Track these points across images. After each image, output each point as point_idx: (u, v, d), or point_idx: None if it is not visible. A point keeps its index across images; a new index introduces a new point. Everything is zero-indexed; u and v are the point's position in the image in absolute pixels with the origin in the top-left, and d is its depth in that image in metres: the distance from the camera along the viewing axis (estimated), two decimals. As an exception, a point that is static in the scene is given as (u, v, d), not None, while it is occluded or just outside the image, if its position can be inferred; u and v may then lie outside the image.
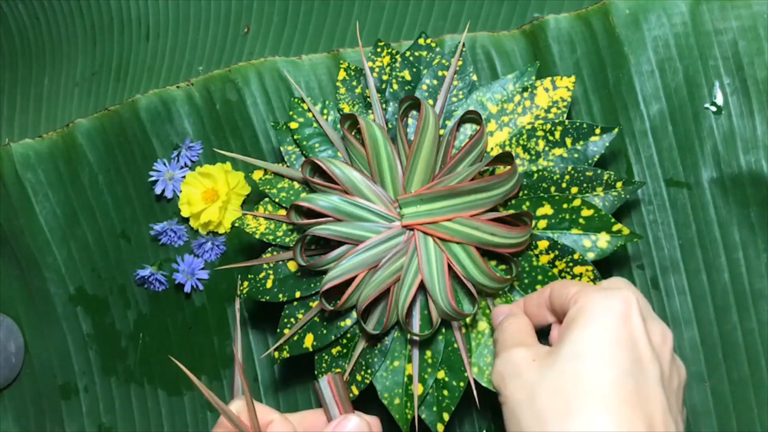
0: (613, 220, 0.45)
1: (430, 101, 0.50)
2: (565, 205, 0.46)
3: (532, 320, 0.42)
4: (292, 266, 0.50)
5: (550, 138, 0.47)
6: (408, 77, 0.51)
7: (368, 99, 0.51)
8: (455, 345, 0.47)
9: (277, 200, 0.51)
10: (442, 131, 0.49)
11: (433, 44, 0.52)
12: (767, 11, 0.49)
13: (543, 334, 0.42)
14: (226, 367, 0.58)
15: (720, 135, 0.50)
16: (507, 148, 0.48)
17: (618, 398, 0.32)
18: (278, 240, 0.50)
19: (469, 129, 0.49)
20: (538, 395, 0.34)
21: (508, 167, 0.46)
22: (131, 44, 0.64)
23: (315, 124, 0.52)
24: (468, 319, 0.47)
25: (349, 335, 0.49)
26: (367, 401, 0.50)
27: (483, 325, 0.47)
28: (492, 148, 0.49)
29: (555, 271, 0.46)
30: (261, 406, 0.37)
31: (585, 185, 0.46)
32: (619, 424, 0.31)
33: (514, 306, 0.44)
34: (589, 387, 0.33)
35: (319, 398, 0.37)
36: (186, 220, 0.58)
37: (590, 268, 0.45)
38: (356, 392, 0.48)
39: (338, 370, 0.48)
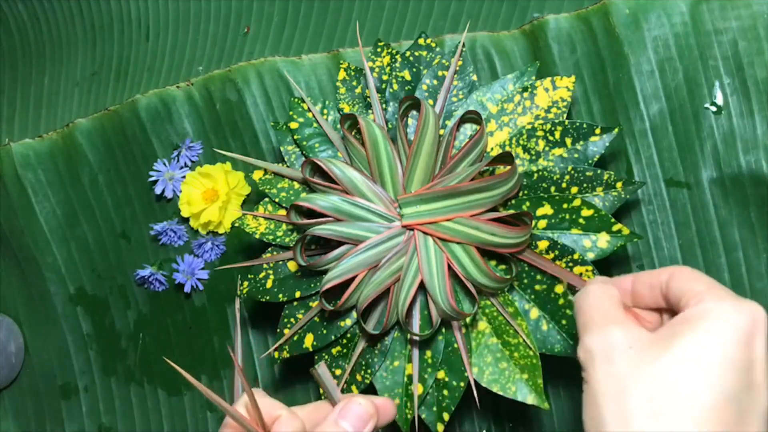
0: (613, 220, 0.45)
1: (430, 101, 0.50)
2: (565, 205, 0.46)
3: (637, 300, 0.38)
4: (292, 266, 0.50)
5: (550, 138, 0.47)
6: (408, 77, 0.51)
7: (368, 99, 0.51)
8: (455, 345, 0.47)
9: (277, 200, 0.51)
10: (442, 131, 0.49)
11: (433, 44, 0.52)
12: (767, 11, 0.49)
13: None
14: (226, 367, 0.58)
15: (720, 135, 0.50)
16: (507, 148, 0.48)
17: (714, 422, 0.30)
18: (278, 240, 0.50)
19: (469, 129, 0.49)
20: (628, 392, 0.31)
21: (508, 167, 0.46)
22: (131, 44, 0.64)
23: (315, 124, 0.52)
24: (468, 319, 0.47)
25: (349, 335, 0.49)
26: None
27: (483, 325, 0.47)
28: (492, 148, 0.49)
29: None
30: (268, 400, 0.36)
31: (585, 185, 0.46)
32: None
33: (606, 278, 0.39)
34: (686, 402, 0.30)
35: (320, 384, 0.37)
36: (186, 220, 0.58)
37: (590, 268, 0.45)
38: (356, 392, 0.48)
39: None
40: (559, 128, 0.47)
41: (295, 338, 0.49)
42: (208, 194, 0.55)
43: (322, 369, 0.36)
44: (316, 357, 0.49)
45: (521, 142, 0.48)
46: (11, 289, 0.62)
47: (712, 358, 0.30)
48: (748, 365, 0.31)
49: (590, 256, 0.45)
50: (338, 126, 0.51)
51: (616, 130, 0.47)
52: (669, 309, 0.36)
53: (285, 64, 0.56)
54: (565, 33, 0.52)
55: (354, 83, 0.52)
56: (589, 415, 0.33)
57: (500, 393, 0.45)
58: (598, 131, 0.47)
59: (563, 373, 0.51)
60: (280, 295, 0.50)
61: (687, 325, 0.32)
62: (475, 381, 0.46)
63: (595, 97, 0.52)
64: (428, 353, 0.47)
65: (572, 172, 0.47)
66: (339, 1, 0.59)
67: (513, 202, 0.47)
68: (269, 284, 0.50)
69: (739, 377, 0.30)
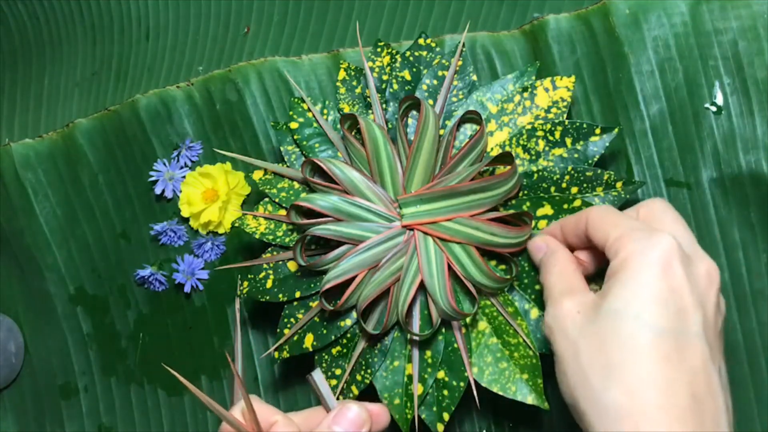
0: (613, 220, 0.45)
1: (430, 101, 0.50)
2: (565, 206, 0.46)
3: (569, 244, 0.42)
4: (292, 266, 0.50)
5: (550, 138, 0.47)
6: (408, 77, 0.51)
7: (368, 99, 0.51)
8: (455, 345, 0.47)
9: (277, 200, 0.51)
10: (442, 131, 0.49)
11: (433, 44, 0.52)
12: (767, 11, 0.49)
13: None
14: (226, 367, 0.58)
15: (720, 135, 0.50)
16: (507, 148, 0.48)
17: (657, 358, 0.32)
18: (278, 240, 0.50)
19: (469, 129, 0.49)
20: (581, 352, 0.34)
21: (508, 167, 0.46)
22: (131, 44, 0.64)
23: (315, 124, 0.52)
24: (468, 319, 0.47)
25: (349, 335, 0.49)
26: (367, 401, 0.50)
27: (483, 325, 0.47)
28: (492, 148, 0.49)
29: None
30: (264, 406, 0.36)
31: (585, 185, 0.46)
32: (658, 384, 0.31)
33: (550, 238, 0.43)
34: (628, 346, 0.33)
35: (315, 390, 0.37)
36: (186, 220, 0.58)
37: (590, 268, 0.45)
38: (356, 392, 0.48)
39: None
40: (559, 128, 0.47)
41: (295, 338, 0.49)
42: (208, 194, 0.55)
43: (317, 375, 0.37)
44: (316, 357, 0.49)
45: (521, 142, 0.48)
46: (11, 289, 0.62)
47: (638, 300, 0.33)
48: (672, 295, 0.33)
49: (590, 256, 0.46)
50: (338, 126, 0.51)
51: (616, 130, 0.47)
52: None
53: (285, 64, 0.56)
54: (565, 33, 0.52)
55: (354, 83, 0.52)
56: (561, 387, 0.36)
57: (500, 393, 0.45)
58: (598, 131, 0.47)
59: (563, 373, 0.51)
60: (280, 295, 0.50)
61: (614, 279, 0.35)
62: (475, 381, 0.46)
63: (595, 97, 0.52)
64: (428, 353, 0.47)
65: (572, 172, 0.47)
66: (339, 1, 0.59)
67: (513, 202, 0.47)
68: (269, 284, 0.50)
69: (667, 309, 0.33)
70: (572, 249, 0.42)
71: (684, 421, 0.31)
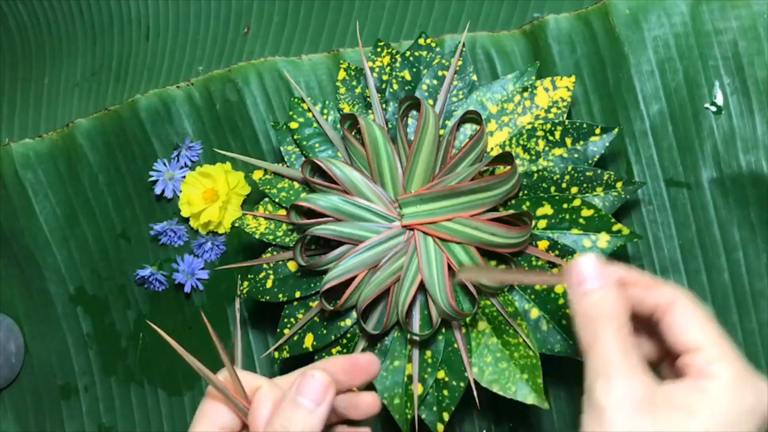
0: (613, 220, 0.45)
1: (430, 101, 0.50)
2: (565, 205, 0.46)
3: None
4: (292, 266, 0.50)
5: (550, 138, 0.47)
6: (408, 77, 0.51)
7: (368, 99, 0.51)
8: (455, 345, 0.47)
9: (277, 200, 0.51)
10: (442, 131, 0.49)
11: (433, 44, 0.52)
12: (767, 11, 0.49)
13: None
14: (226, 367, 0.58)
15: (720, 135, 0.50)
16: (507, 148, 0.48)
17: None
18: (278, 240, 0.50)
19: (469, 129, 0.49)
20: None
21: (508, 167, 0.46)
22: (131, 44, 0.64)
23: (315, 124, 0.52)
24: (468, 319, 0.47)
25: (349, 335, 0.49)
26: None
27: (483, 325, 0.47)
28: (492, 148, 0.49)
29: (555, 270, 0.46)
30: (247, 374, 0.36)
31: (585, 185, 0.46)
32: None
33: (611, 273, 0.34)
34: None
35: None
36: (186, 220, 0.58)
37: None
38: (356, 391, 0.48)
39: None
40: (559, 128, 0.47)
41: (295, 338, 0.49)
42: (208, 194, 0.55)
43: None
44: (316, 357, 0.49)
45: (521, 142, 0.48)
46: (11, 289, 0.62)
47: None
48: None
49: (590, 256, 0.45)
50: (338, 126, 0.51)
51: (616, 130, 0.47)
52: (649, 322, 0.34)
53: (285, 64, 0.56)
54: (565, 33, 0.52)
55: (354, 83, 0.52)
56: None
57: (500, 393, 0.45)
58: (598, 131, 0.47)
59: (563, 373, 0.51)
60: (280, 295, 0.50)
61: (702, 400, 0.31)
62: (475, 381, 0.46)
63: (595, 97, 0.52)
64: (428, 353, 0.47)
65: (572, 172, 0.47)
66: (339, 1, 0.59)
67: (513, 202, 0.47)
68: (269, 284, 0.50)
69: None
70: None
71: None
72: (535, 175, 0.47)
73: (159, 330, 0.38)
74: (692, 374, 0.32)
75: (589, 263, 0.33)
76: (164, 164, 0.58)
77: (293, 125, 0.52)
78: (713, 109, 0.50)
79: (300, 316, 0.49)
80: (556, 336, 0.45)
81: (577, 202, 0.46)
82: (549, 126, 0.47)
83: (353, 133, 0.50)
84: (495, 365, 0.46)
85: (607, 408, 0.31)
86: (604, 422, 0.31)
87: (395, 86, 0.51)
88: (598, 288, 0.33)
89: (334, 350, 0.49)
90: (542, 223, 0.46)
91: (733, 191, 0.50)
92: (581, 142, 0.47)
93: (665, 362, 0.36)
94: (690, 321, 0.32)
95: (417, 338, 0.47)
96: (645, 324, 0.35)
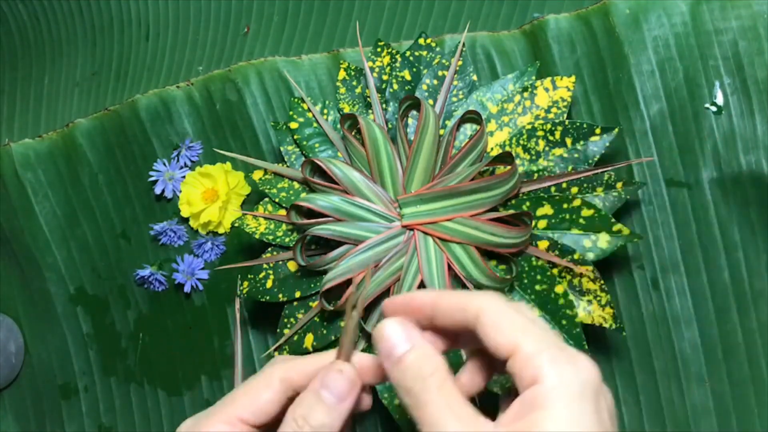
0: (613, 220, 0.45)
1: (430, 101, 0.50)
2: (565, 205, 0.46)
3: (436, 323, 0.33)
4: (292, 266, 0.50)
5: (550, 138, 0.47)
6: (408, 77, 0.51)
7: (368, 99, 0.51)
8: (455, 345, 0.47)
9: (277, 200, 0.51)
10: (442, 131, 0.49)
11: (433, 44, 0.52)
12: (767, 11, 0.49)
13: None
14: (227, 367, 0.58)
15: (720, 135, 0.50)
16: (507, 148, 0.48)
17: None
18: (278, 240, 0.50)
19: (469, 129, 0.49)
20: None
21: (508, 167, 0.46)
22: (131, 44, 0.64)
23: (315, 124, 0.52)
24: (468, 319, 0.47)
25: (349, 335, 0.49)
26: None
27: (483, 325, 0.47)
28: (492, 148, 0.49)
29: (554, 271, 0.46)
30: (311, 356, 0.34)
31: (585, 185, 0.46)
32: None
33: (413, 330, 0.32)
34: None
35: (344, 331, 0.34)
36: (186, 220, 0.58)
37: (590, 268, 0.45)
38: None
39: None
40: (559, 128, 0.47)
41: (295, 338, 0.49)
42: (208, 194, 0.55)
43: (355, 314, 0.33)
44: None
45: (521, 142, 0.48)
46: (11, 289, 0.62)
47: None
48: (602, 427, 0.29)
49: (590, 256, 0.45)
50: (338, 126, 0.51)
51: (616, 130, 0.47)
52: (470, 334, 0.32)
53: (285, 64, 0.56)
54: (565, 33, 0.52)
55: (354, 83, 0.52)
56: None
57: (500, 393, 0.45)
58: (598, 131, 0.47)
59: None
60: (280, 295, 0.50)
61: (536, 415, 0.29)
62: (475, 381, 0.46)
63: (595, 97, 0.52)
64: (428, 353, 0.47)
65: (572, 172, 0.47)
66: (339, 1, 0.59)
67: (513, 202, 0.47)
68: (269, 284, 0.50)
69: None
70: (424, 328, 0.33)
71: None
72: (535, 175, 0.47)
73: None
74: (519, 384, 0.30)
75: (392, 329, 0.32)
76: (164, 164, 0.58)
77: (293, 125, 0.52)
78: (713, 109, 0.50)
79: (300, 316, 0.49)
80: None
81: (577, 202, 0.46)
82: (549, 126, 0.47)
83: (353, 133, 0.50)
84: (495, 365, 0.46)
85: None
86: None
87: (395, 86, 0.51)
88: (407, 351, 0.31)
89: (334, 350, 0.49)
90: (542, 223, 0.46)
91: (733, 191, 0.50)
92: (581, 142, 0.47)
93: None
94: (499, 324, 0.30)
95: (417, 338, 0.47)
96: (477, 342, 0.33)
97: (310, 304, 0.50)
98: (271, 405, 0.33)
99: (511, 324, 0.30)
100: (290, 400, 0.33)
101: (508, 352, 0.30)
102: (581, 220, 0.46)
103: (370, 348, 0.48)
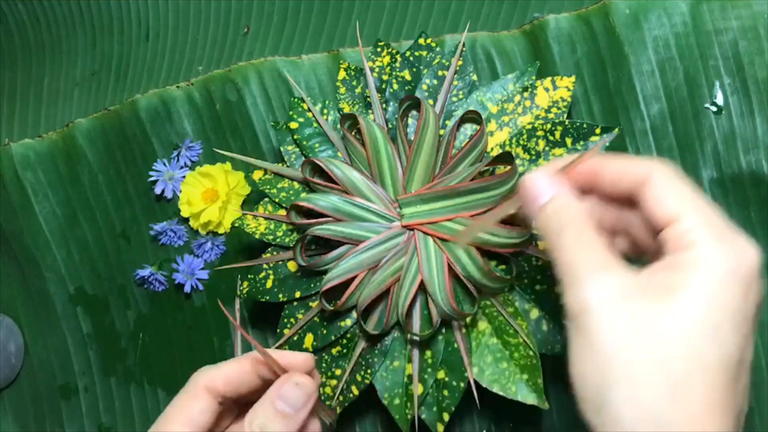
0: (613, 220, 0.45)
1: (430, 101, 0.50)
2: (565, 205, 0.46)
3: (594, 186, 0.34)
4: (292, 266, 0.50)
5: (551, 138, 0.47)
6: (408, 77, 0.51)
7: (368, 99, 0.51)
8: (455, 345, 0.47)
9: (277, 200, 0.51)
10: (442, 131, 0.49)
11: (433, 44, 0.52)
12: (767, 11, 0.49)
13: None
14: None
15: (720, 135, 0.50)
16: (507, 148, 0.48)
17: (722, 384, 0.28)
18: (278, 240, 0.50)
19: (469, 129, 0.49)
20: (633, 348, 0.28)
21: (508, 167, 0.46)
22: (131, 44, 0.64)
23: (315, 124, 0.52)
24: (468, 319, 0.47)
25: (349, 335, 0.49)
26: (367, 401, 0.50)
27: (483, 325, 0.47)
28: (492, 148, 0.49)
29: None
30: (278, 352, 0.38)
31: (585, 185, 0.46)
32: (715, 411, 0.28)
33: (561, 183, 0.33)
34: (695, 359, 0.28)
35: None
36: (186, 220, 0.58)
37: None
38: (356, 392, 0.48)
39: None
40: (560, 128, 0.47)
41: (295, 338, 0.49)
42: (208, 194, 0.55)
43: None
44: (315, 357, 0.49)
45: (521, 142, 0.48)
46: (11, 289, 0.62)
47: (716, 314, 0.28)
48: (744, 320, 0.29)
49: (590, 256, 0.45)
50: (338, 126, 0.51)
51: (616, 130, 0.47)
52: (629, 201, 0.32)
53: (285, 63, 0.56)
54: (565, 33, 0.52)
55: (354, 83, 0.52)
56: (582, 370, 0.30)
57: (500, 393, 0.45)
58: (598, 131, 0.47)
59: (563, 373, 0.51)
60: (280, 295, 0.50)
61: (686, 280, 0.29)
62: (476, 381, 0.46)
63: (595, 97, 0.52)
64: (428, 353, 0.47)
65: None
66: (339, 1, 0.59)
67: (513, 202, 0.47)
68: (269, 284, 0.50)
69: (739, 335, 0.29)
70: (584, 193, 0.34)
71: None
72: (535, 175, 0.47)
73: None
74: (671, 249, 0.30)
75: (539, 177, 0.33)
76: (164, 164, 0.58)
77: (293, 125, 0.52)
78: (713, 109, 0.50)
79: (300, 316, 0.49)
80: (556, 336, 0.45)
81: (577, 202, 0.46)
82: (549, 126, 0.47)
83: (353, 133, 0.50)
84: (495, 365, 0.46)
85: (583, 312, 0.29)
86: (586, 330, 0.29)
87: (395, 86, 0.51)
88: (551, 199, 0.32)
89: (334, 350, 0.49)
90: (542, 223, 0.46)
91: (733, 191, 0.50)
92: (581, 142, 0.47)
93: (651, 253, 0.34)
94: (667, 191, 0.31)
95: (417, 338, 0.47)
96: (628, 206, 0.33)
97: (310, 304, 0.50)
98: (203, 415, 0.36)
99: (679, 193, 0.31)
100: (220, 405, 0.37)
101: (669, 221, 0.30)
102: (581, 220, 0.46)
103: (369, 348, 0.48)
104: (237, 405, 0.39)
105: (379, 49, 0.52)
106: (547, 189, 0.33)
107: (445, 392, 0.47)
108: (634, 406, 0.28)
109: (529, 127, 0.48)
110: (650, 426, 0.28)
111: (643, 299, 0.29)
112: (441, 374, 0.47)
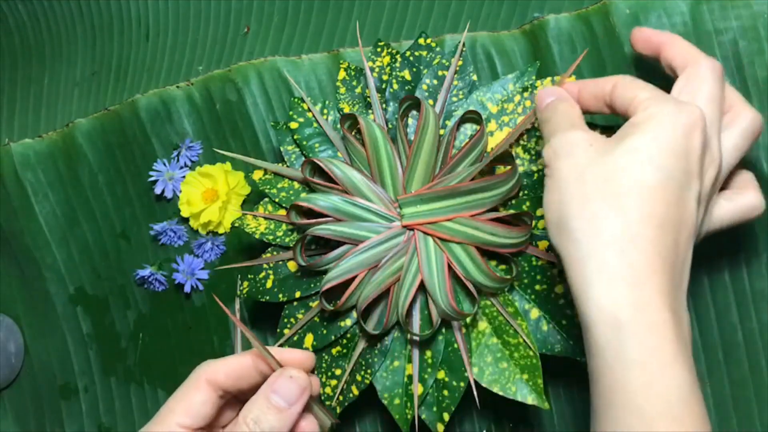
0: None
1: (430, 101, 0.50)
2: (565, 205, 0.46)
3: (584, 107, 0.42)
4: (292, 266, 0.50)
5: (550, 138, 0.47)
6: (408, 77, 0.51)
7: (368, 99, 0.51)
8: (455, 345, 0.47)
9: (277, 200, 0.51)
10: (442, 131, 0.49)
11: (433, 44, 0.52)
12: (767, 11, 0.49)
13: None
14: (226, 367, 0.58)
15: (720, 135, 0.50)
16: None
17: (660, 200, 0.34)
18: (278, 240, 0.50)
19: (469, 129, 0.49)
20: (588, 177, 0.36)
21: (508, 167, 0.46)
22: (131, 44, 0.64)
23: (315, 124, 0.52)
24: (468, 319, 0.47)
25: (349, 335, 0.49)
26: (367, 401, 0.50)
27: (483, 325, 0.47)
28: (492, 148, 0.49)
29: (555, 271, 0.46)
30: (275, 349, 0.40)
31: (585, 185, 0.46)
32: (654, 223, 0.34)
33: (562, 90, 0.43)
34: (637, 183, 0.35)
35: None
36: (186, 220, 0.58)
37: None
38: (356, 392, 0.48)
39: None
40: (559, 128, 0.47)
41: (295, 338, 0.49)
42: (208, 194, 0.55)
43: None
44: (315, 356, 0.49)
45: (521, 142, 0.48)
46: (11, 289, 0.62)
47: (656, 147, 0.35)
48: (686, 155, 0.35)
49: (590, 256, 0.45)
50: (338, 126, 0.51)
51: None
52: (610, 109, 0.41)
53: (285, 63, 0.56)
54: (565, 33, 0.52)
55: (354, 83, 0.52)
56: (549, 199, 0.37)
57: (500, 393, 0.45)
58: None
59: (563, 373, 0.51)
60: (280, 295, 0.50)
61: (636, 127, 0.36)
62: (475, 381, 0.46)
63: (595, 97, 0.52)
64: (428, 353, 0.47)
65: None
66: (339, 1, 0.59)
67: (513, 202, 0.47)
68: (269, 284, 0.50)
69: (678, 161, 0.35)
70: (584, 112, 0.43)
71: (663, 259, 0.34)
72: (535, 175, 0.47)
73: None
74: (631, 116, 0.38)
75: (547, 88, 0.43)
76: (164, 164, 0.58)
77: (293, 125, 0.52)
78: (713, 109, 0.50)
79: (300, 316, 0.49)
80: (556, 336, 0.45)
81: (577, 202, 0.46)
82: (549, 126, 0.47)
83: (353, 133, 0.50)
84: (495, 365, 0.46)
85: (555, 156, 0.38)
86: (555, 170, 0.38)
87: (395, 86, 0.51)
88: (551, 99, 0.42)
89: (334, 350, 0.49)
90: (542, 223, 0.46)
91: (733, 191, 0.50)
92: (581, 142, 0.47)
93: None
94: (629, 86, 0.39)
95: (417, 338, 0.47)
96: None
97: (310, 304, 0.50)
98: (204, 407, 0.38)
99: (637, 84, 0.39)
100: (221, 398, 0.38)
101: (630, 102, 0.38)
102: (581, 220, 0.46)
103: (369, 348, 0.48)
104: (239, 402, 0.40)
105: (379, 49, 0.52)
106: (551, 93, 0.42)
107: (445, 392, 0.47)
108: (582, 218, 0.35)
109: (529, 126, 0.48)
110: (594, 231, 0.34)
111: (601, 146, 0.37)
112: (441, 374, 0.47)
